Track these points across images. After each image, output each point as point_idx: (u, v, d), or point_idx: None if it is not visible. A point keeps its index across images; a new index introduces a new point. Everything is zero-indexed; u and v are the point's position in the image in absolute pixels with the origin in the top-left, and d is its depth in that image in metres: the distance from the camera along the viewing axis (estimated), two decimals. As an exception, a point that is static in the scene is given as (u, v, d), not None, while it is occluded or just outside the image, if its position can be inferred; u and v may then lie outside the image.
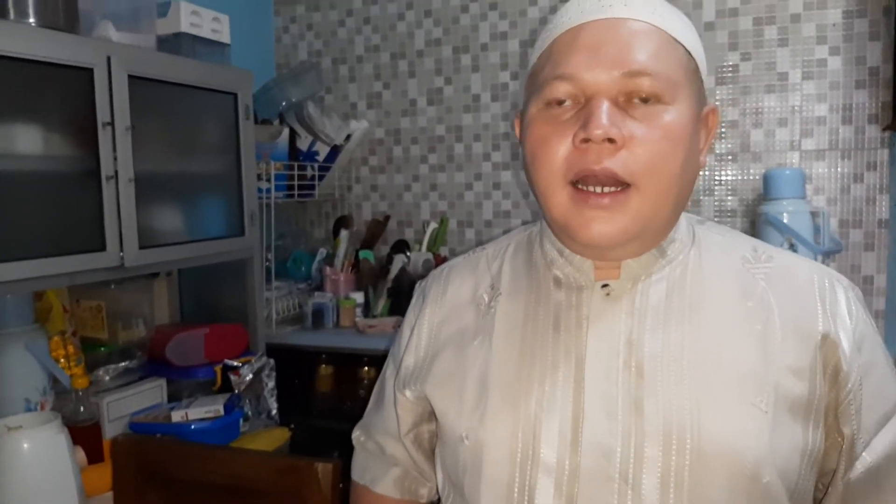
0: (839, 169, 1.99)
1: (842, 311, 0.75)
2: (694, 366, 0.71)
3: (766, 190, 1.90)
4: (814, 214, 1.86)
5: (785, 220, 1.83)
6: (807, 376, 0.71)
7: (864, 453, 0.73)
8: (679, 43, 0.73)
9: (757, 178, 2.03)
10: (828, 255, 1.88)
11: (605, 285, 0.76)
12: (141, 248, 1.45)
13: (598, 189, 0.69)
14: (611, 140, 0.68)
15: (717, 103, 2.07)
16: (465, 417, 0.77)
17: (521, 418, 0.73)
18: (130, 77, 1.41)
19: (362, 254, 2.26)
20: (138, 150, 1.43)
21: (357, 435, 0.98)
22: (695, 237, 0.80)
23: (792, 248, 1.81)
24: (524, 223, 2.37)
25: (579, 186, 0.70)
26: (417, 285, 0.95)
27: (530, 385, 0.74)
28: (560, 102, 0.72)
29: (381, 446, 0.93)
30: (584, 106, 0.70)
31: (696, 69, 0.75)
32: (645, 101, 0.70)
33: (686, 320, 0.73)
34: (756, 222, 1.94)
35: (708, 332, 0.73)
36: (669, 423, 0.69)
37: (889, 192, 1.94)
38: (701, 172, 2.06)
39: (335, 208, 2.52)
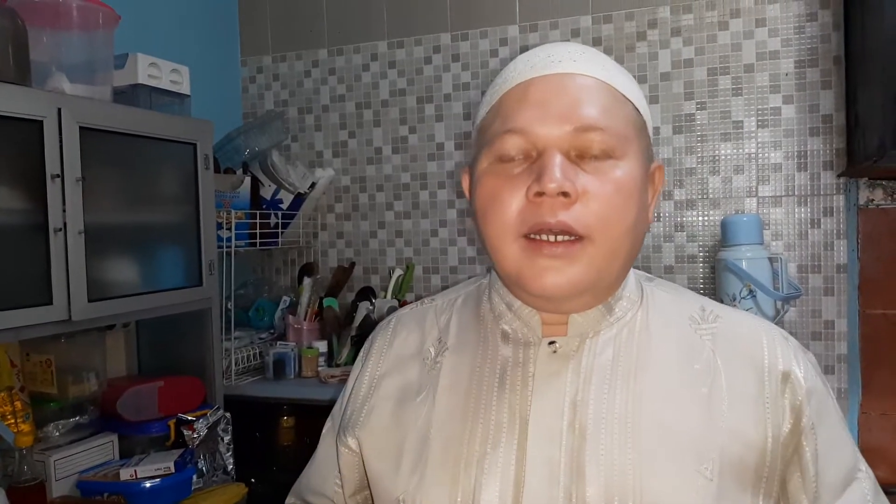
0: (796, 215, 2.01)
1: (791, 361, 0.74)
2: (638, 430, 0.69)
3: (725, 236, 1.92)
4: (772, 260, 1.88)
5: (743, 266, 1.84)
6: (757, 440, 0.69)
7: None
8: (627, 99, 0.74)
9: (716, 224, 2.06)
10: (787, 301, 1.89)
11: (552, 342, 0.74)
12: (90, 300, 1.42)
13: (552, 238, 0.68)
14: (565, 194, 0.67)
15: (674, 151, 2.11)
16: (402, 480, 0.74)
17: (461, 482, 0.71)
18: (82, 128, 1.40)
19: (326, 301, 2.24)
20: (91, 202, 1.42)
21: (292, 501, 0.93)
22: (643, 295, 0.79)
23: (751, 293, 1.82)
24: (489, 269, 2.37)
25: (532, 237, 0.69)
26: (368, 339, 0.93)
27: (472, 446, 0.72)
28: (511, 156, 0.71)
29: None
30: (537, 160, 0.70)
31: (644, 126, 0.76)
32: (596, 155, 0.70)
33: (632, 382, 0.72)
34: (716, 268, 1.95)
35: (653, 395, 0.71)
36: (611, 489, 0.67)
37: (846, 237, 1.97)
38: (661, 219, 2.10)
39: (301, 256, 2.50)
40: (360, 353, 0.90)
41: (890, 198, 1.90)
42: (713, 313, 0.78)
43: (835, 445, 0.73)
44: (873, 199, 1.91)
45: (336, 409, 0.91)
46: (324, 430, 0.91)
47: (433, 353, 0.81)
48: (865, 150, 1.71)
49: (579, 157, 0.69)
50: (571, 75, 0.72)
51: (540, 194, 0.67)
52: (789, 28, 2.00)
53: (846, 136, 1.94)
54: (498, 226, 0.70)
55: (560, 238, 0.68)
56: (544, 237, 0.68)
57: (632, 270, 0.80)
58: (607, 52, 2.15)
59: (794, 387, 0.72)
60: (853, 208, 1.94)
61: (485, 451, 0.71)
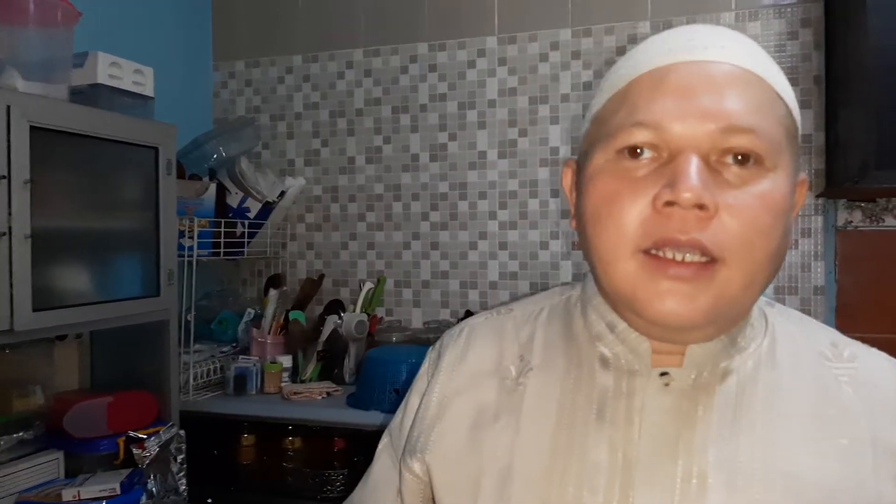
0: (774, 235, 1.98)
1: None
2: (768, 482, 0.59)
3: (703, 255, 1.88)
4: (750, 281, 1.84)
5: (721, 287, 1.80)
6: None
7: None
8: (781, 99, 0.62)
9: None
10: (765, 323, 1.85)
11: (664, 373, 0.64)
12: (35, 310, 1.34)
13: (679, 257, 0.57)
14: (701, 206, 0.55)
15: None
16: None
17: None
18: (33, 128, 1.33)
19: (293, 314, 2.16)
20: (40, 206, 1.34)
21: None
22: (767, 323, 0.68)
23: (728, 314, 1.78)
24: (461, 284, 2.34)
25: (653, 252, 0.58)
26: (431, 348, 0.81)
27: (563, 489, 0.62)
28: (637, 153, 0.60)
29: None
30: (668, 162, 0.58)
31: (797, 133, 0.65)
32: (741, 162, 0.58)
33: (758, 425, 0.61)
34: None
35: (784, 441, 0.61)
36: None
37: (824, 259, 1.94)
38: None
39: (269, 267, 2.43)
40: (426, 366, 0.79)
41: (869, 220, 1.88)
42: (849, 351, 0.67)
43: None
44: (852, 221, 1.89)
45: (395, 424, 0.80)
46: (379, 447, 0.81)
47: (514, 373, 0.70)
48: (846, 171, 1.68)
49: (720, 162, 0.58)
50: (719, 64, 0.60)
51: (670, 204, 0.56)
52: (770, 46, 1.97)
53: (825, 156, 1.91)
54: (613, 236, 0.59)
55: (689, 258, 0.57)
56: (670, 254, 0.57)
57: None
58: (586, 66, 2.12)
59: None
60: (831, 230, 1.91)
61: (580, 495, 0.61)
